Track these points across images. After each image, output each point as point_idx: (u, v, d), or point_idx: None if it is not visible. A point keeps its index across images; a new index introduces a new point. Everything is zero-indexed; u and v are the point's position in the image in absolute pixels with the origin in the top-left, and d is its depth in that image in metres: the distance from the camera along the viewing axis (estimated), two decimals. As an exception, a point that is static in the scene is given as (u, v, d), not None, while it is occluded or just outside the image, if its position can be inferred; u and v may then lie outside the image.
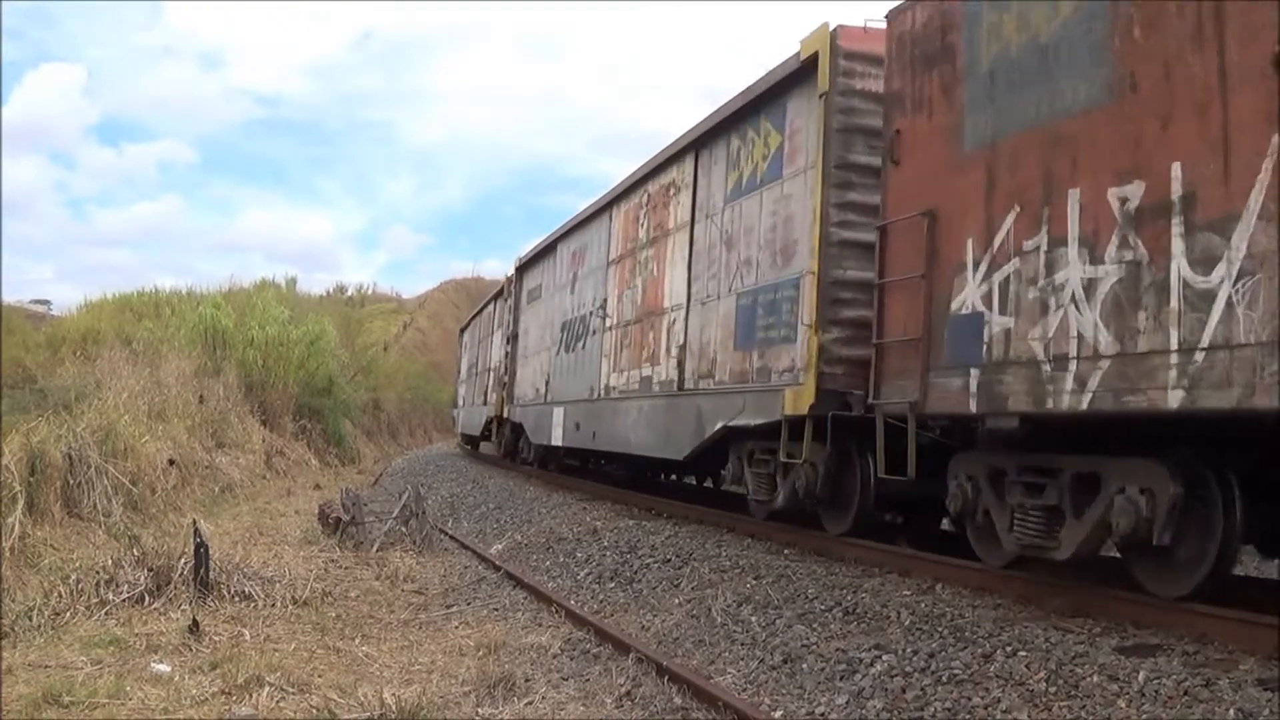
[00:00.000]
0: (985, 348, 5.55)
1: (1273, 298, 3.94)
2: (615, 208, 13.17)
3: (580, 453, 15.51)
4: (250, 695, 4.98)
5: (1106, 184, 4.81)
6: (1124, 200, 4.72)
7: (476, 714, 4.91)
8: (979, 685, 4.34)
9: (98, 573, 6.90)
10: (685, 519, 10.34)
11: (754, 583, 6.82)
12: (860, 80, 7.39)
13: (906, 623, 5.35)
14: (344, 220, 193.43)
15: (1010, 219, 5.43)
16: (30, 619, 6.28)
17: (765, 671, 5.14)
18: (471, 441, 27.83)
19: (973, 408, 5.62)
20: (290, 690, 5.12)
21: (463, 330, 32.47)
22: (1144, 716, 3.79)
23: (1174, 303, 4.39)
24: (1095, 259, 4.86)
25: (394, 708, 4.71)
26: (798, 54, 7.93)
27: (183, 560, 7.08)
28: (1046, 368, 5.09)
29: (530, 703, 5.05)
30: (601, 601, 7.46)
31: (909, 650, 4.85)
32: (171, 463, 12.12)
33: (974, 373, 5.63)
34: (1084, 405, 4.84)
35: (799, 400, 7.40)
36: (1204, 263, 4.26)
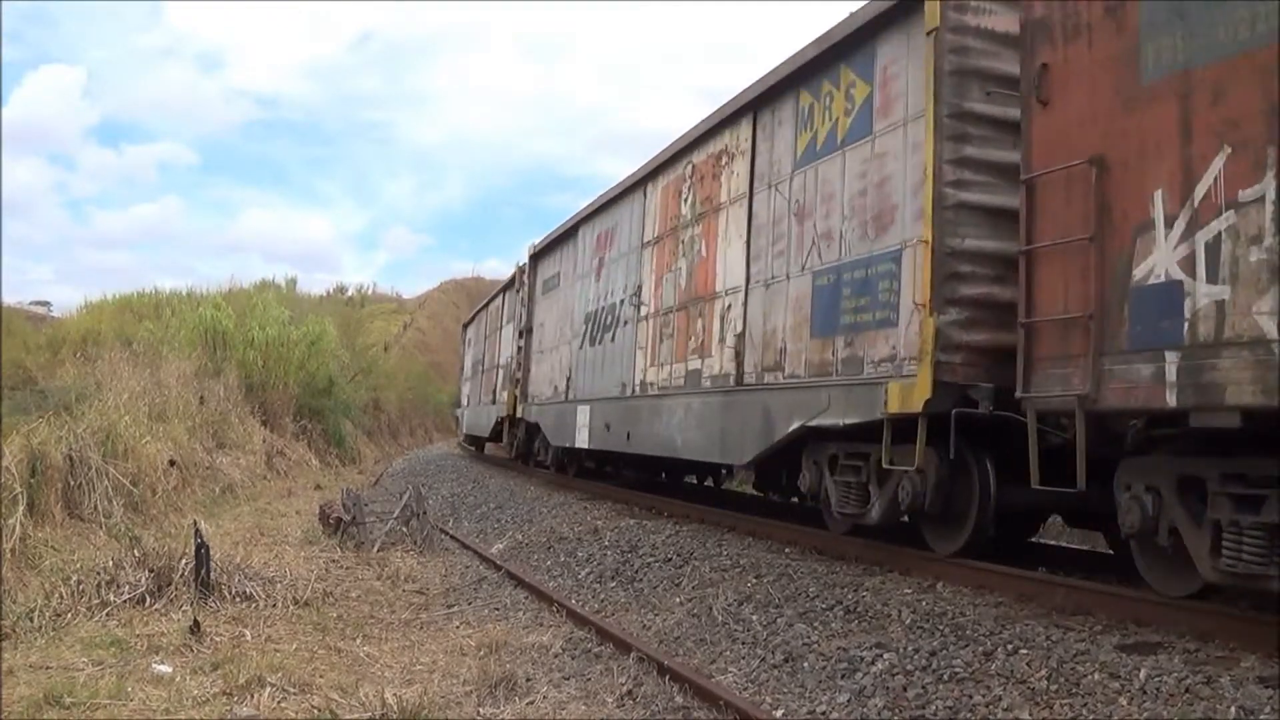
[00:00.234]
0: (1187, 325, 4.50)
1: None
2: (651, 183, 11.88)
3: (599, 456, 14.49)
4: (251, 696, 4.98)
5: None
6: None
7: (478, 714, 4.91)
8: (980, 683, 4.34)
9: (99, 574, 6.89)
10: (686, 518, 10.34)
11: (755, 581, 6.83)
12: (974, 16, 6.38)
13: (908, 621, 5.35)
14: (344, 221, 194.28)
15: (1218, 164, 4.41)
16: (31, 620, 6.28)
17: (766, 670, 5.14)
18: (476, 443, 27.22)
19: (1171, 401, 4.55)
20: (291, 690, 5.11)
21: (466, 326, 31.44)
22: (1145, 714, 3.79)
23: None
24: None
25: (395, 708, 4.71)
26: None
27: (183, 561, 7.08)
28: None
29: (531, 702, 5.05)
30: (603, 601, 7.46)
31: (910, 648, 4.85)
32: (172, 463, 12.12)
33: (1170, 357, 4.56)
34: None
35: (909, 396, 6.26)
36: None
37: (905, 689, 4.46)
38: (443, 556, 10.03)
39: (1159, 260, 4.69)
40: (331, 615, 7.06)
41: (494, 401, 21.90)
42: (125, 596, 6.71)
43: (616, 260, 13.04)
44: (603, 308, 13.38)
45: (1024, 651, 4.55)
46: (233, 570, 7.32)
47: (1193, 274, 4.50)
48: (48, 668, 5.40)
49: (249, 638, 6.21)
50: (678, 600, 6.90)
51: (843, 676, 4.76)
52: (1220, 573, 4.58)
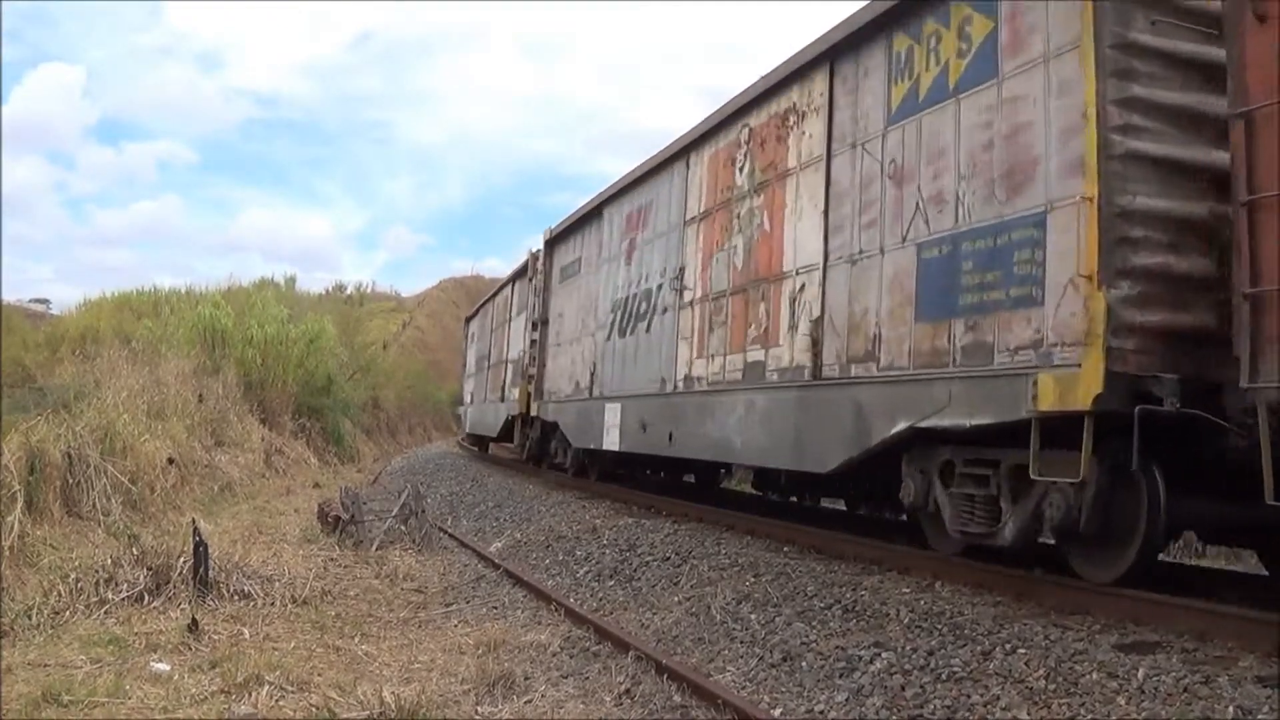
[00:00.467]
0: None
1: None
2: (695, 153, 10.64)
3: (628, 459, 13.06)
4: (250, 694, 4.98)
5: None
6: None
7: (476, 712, 4.91)
8: (978, 683, 4.34)
9: (97, 572, 6.89)
10: (684, 517, 10.34)
11: (753, 580, 6.83)
12: None
13: (906, 620, 5.36)
14: (343, 220, 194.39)
15: None
16: (30, 618, 6.28)
17: (764, 669, 5.14)
18: (480, 443, 26.37)
19: None
20: (290, 689, 5.12)
21: (469, 320, 30.11)
22: (1143, 713, 3.80)
23: None
24: None
25: (393, 706, 4.71)
26: None
27: (182, 559, 7.08)
28: None
29: (530, 701, 5.05)
30: (601, 599, 7.46)
31: (908, 648, 4.86)
32: (171, 461, 12.11)
33: None
34: None
35: (1071, 390, 5.12)
36: None
37: (903, 688, 4.46)
38: (441, 555, 10.03)
39: None
40: (330, 614, 7.06)
41: (503, 399, 20.55)
42: (124, 594, 6.72)
43: (652, 241, 11.79)
44: (635, 294, 12.16)
45: (1022, 651, 4.55)
46: (231, 568, 7.32)
47: None
48: (46, 665, 5.41)
49: (247, 636, 6.21)
50: (676, 599, 6.90)
51: (841, 675, 4.76)
52: None
